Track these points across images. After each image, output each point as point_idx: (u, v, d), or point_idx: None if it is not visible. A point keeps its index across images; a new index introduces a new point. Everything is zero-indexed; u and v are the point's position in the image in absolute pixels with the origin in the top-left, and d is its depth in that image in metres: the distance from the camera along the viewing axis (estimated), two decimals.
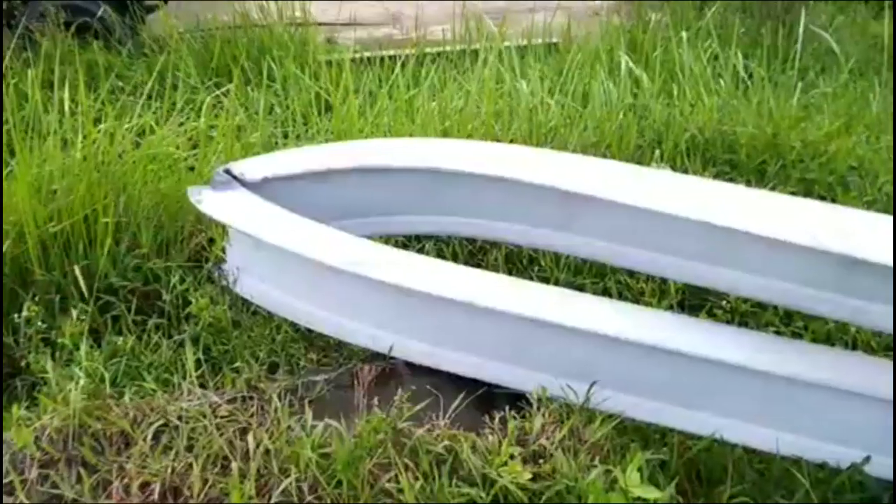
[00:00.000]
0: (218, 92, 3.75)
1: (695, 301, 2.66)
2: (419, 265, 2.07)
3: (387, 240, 2.87)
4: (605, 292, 2.69)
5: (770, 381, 1.92)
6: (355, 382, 2.03)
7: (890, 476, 1.87)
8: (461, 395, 1.93)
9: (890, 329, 1.83)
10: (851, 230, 1.83)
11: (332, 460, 1.66)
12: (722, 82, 3.97)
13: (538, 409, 1.86)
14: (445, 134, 3.47)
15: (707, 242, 2.02)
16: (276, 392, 1.94)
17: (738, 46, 4.13)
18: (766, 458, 1.98)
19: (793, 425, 1.93)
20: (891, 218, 1.82)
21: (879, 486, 1.85)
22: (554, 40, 5.12)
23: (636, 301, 2.63)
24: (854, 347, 2.53)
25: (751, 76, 3.91)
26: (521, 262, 2.85)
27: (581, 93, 3.87)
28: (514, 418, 1.82)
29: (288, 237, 2.05)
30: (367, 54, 4.64)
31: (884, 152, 3.50)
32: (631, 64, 3.87)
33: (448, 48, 4.81)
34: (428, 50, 4.81)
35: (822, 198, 3.23)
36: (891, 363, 2.17)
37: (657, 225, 2.09)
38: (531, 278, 2.74)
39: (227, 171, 2.23)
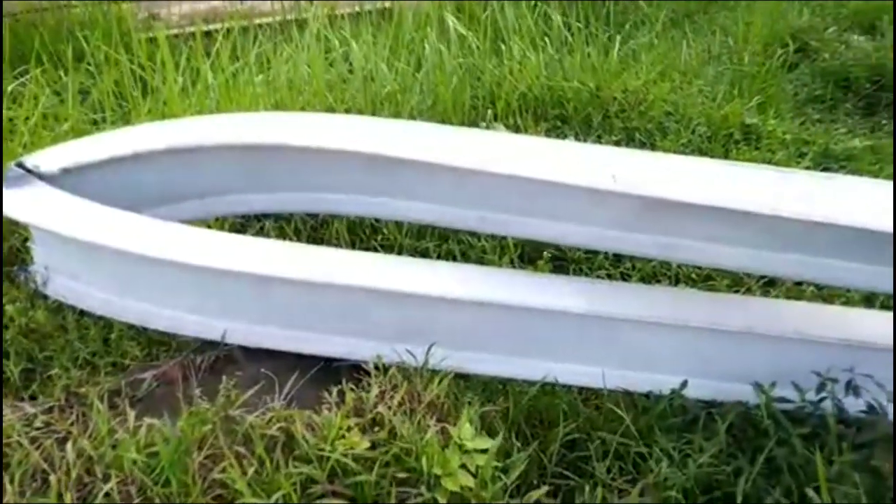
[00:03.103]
0: (23, 79, 3.44)
1: (534, 254, 2.75)
2: (238, 245, 2.01)
3: (222, 222, 2.78)
4: (449, 253, 2.73)
5: (593, 323, 2.03)
6: (187, 375, 1.95)
7: (706, 395, 2.03)
8: (301, 375, 1.91)
9: (699, 261, 1.96)
10: (653, 173, 1.94)
11: (159, 459, 1.59)
12: (547, 40, 4.08)
13: (375, 377, 1.86)
14: (277, 108, 3.37)
15: (529, 197, 2.07)
16: (98, 395, 1.83)
17: (559, 6, 4.24)
18: (599, 395, 2.09)
19: (617, 361, 2.05)
20: (685, 158, 1.94)
21: (698, 407, 2.00)
22: (386, 5, 5.07)
23: (479, 259, 2.69)
24: (677, 282, 2.71)
25: (571, 32, 4.04)
26: (363, 232, 2.83)
27: (415, 57, 3.86)
28: (353, 390, 1.81)
29: (93, 230, 1.92)
30: (189, 29, 4.39)
31: (695, 96, 3.73)
32: (458, 26, 3.89)
33: (278, 18, 4.65)
34: (257, 21, 4.62)
35: (643, 143, 3.42)
36: (699, 293, 2.35)
37: (482, 184, 2.13)
38: (374, 247, 2.73)
39: (20, 165, 2.05)
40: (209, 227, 2.67)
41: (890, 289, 1.92)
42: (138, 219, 2.00)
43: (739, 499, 1.77)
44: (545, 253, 2.65)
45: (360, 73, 3.55)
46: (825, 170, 3.35)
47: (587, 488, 1.79)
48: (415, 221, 2.49)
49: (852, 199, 1.89)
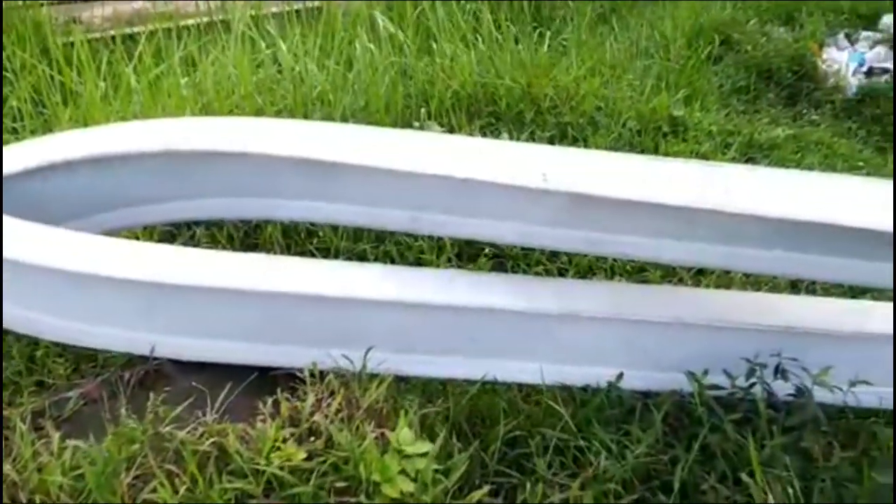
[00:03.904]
0: None
1: (473, 252, 2.75)
2: (163, 255, 1.94)
3: (151, 231, 2.69)
4: (386, 255, 2.71)
5: (530, 319, 2.04)
6: (115, 392, 1.88)
7: (642, 386, 2.06)
8: (234, 387, 1.86)
9: (628, 255, 1.99)
10: (582, 170, 1.95)
11: (86, 482, 1.53)
12: (479, 38, 4.09)
13: (312, 384, 1.82)
14: (205, 112, 3.28)
15: (461, 197, 2.07)
16: (21, 416, 1.75)
17: (489, 3, 4.26)
18: (539, 391, 2.10)
19: (555, 356, 2.07)
20: (613, 154, 1.97)
21: (634, 398, 2.03)
22: (316, 4, 5.00)
23: (417, 259, 2.68)
24: (613, 275, 2.75)
25: (500, 29, 4.07)
26: (298, 236, 2.79)
27: (346, 57, 3.82)
28: (288, 399, 1.77)
29: (11, 245, 1.83)
30: (112, 32, 4.24)
31: (625, 91, 3.79)
32: (389, 25, 3.86)
33: (205, 19, 4.53)
34: (182, 23, 4.50)
35: (576, 138, 3.46)
36: (632, 285, 2.39)
37: (414, 186, 2.11)
38: (310, 251, 2.69)
39: None
40: (137, 237, 2.59)
41: (810, 275, 1.99)
42: (58, 232, 1.92)
43: (677, 486, 1.80)
44: (484, 251, 2.67)
45: (289, 73, 3.49)
46: (750, 159, 3.46)
47: (528, 485, 1.80)
48: (348, 224, 2.47)
49: (773, 191, 1.94)
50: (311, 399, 1.75)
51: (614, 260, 2.73)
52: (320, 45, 3.90)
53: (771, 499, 1.67)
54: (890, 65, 4.58)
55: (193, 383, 1.88)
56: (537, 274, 2.66)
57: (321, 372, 1.87)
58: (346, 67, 3.69)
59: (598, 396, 2.01)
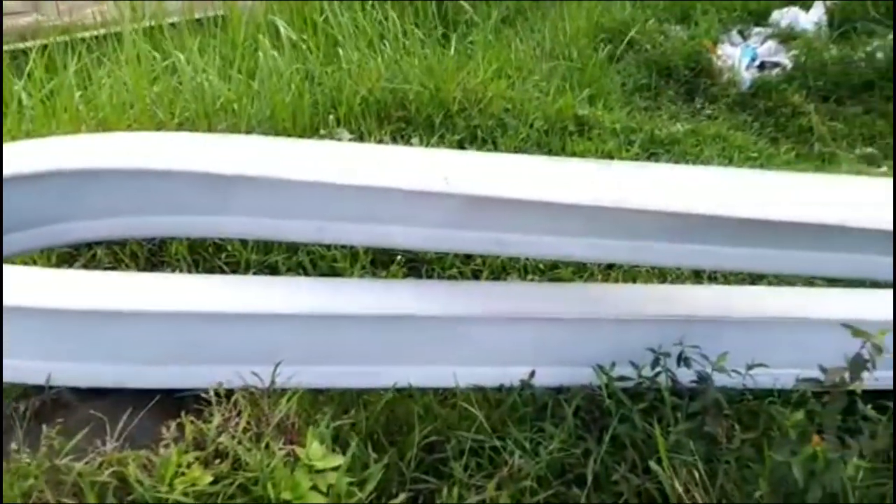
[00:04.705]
0: None
1: (386, 258, 2.74)
2: (57, 279, 1.86)
3: (49, 254, 2.56)
4: (299, 265, 2.67)
5: (442, 323, 2.04)
6: (10, 425, 1.78)
7: (554, 382, 2.10)
8: (136, 412, 1.79)
9: (521, 253, 2.02)
10: (484, 172, 1.97)
11: None
12: (386, 43, 4.08)
13: (217, 404, 1.77)
14: (101, 127, 3.15)
15: (365, 205, 2.05)
16: None
17: (396, 6, 4.26)
18: (455, 394, 2.11)
19: (469, 359, 2.08)
20: (514, 156, 1.99)
21: (547, 395, 2.06)
22: (219, 13, 4.88)
23: (330, 268, 2.64)
24: (526, 273, 2.79)
25: (406, 34, 4.07)
26: (206, 251, 2.71)
27: (248, 66, 3.74)
28: (193, 422, 1.72)
29: None
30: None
31: (531, 92, 3.86)
32: (291, 32, 3.81)
33: (102, 31, 4.36)
34: (79, 35, 4.31)
35: (485, 141, 3.50)
36: (541, 284, 2.42)
37: (317, 195, 2.08)
38: (219, 266, 2.63)
39: None
40: (34, 261, 2.47)
41: (708, 265, 2.07)
42: None
43: (590, 479, 1.84)
44: (398, 257, 2.66)
45: (189, 84, 3.40)
46: (652, 154, 3.57)
47: (445, 490, 1.80)
48: (253, 238, 2.41)
49: (666, 186, 2.01)
50: (217, 420, 1.70)
51: (527, 259, 2.77)
52: (222, 54, 3.81)
53: (677, 484, 1.73)
54: (780, 58, 4.82)
55: (92, 411, 1.80)
56: (452, 277, 2.67)
57: (230, 391, 1.82)
58: (250, 76, 3.62)
59: (511, 396, 2.04)
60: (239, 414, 1.74)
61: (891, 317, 1.91)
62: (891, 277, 2.12)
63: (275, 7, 4.62)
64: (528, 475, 1.83)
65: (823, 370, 1.67)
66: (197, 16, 4.68)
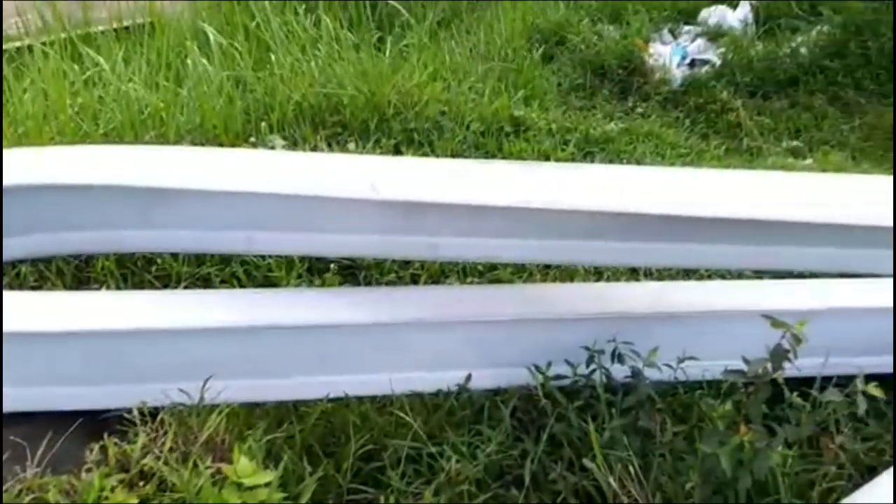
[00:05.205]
0: None
1: (322, 266, 2.70)
2: None
3: None
4: (233, 276, 2.61)
5: (377, 331, 2.02)
6: None
7: (492, 384, 2.09)
8: (58, 436, 1.72)
9: (455, 256, 2.01)
10: (412, 178, 1.96)
11: None
12: (320, 48, 4.03)
13: (143, 424, 1.72)
14: (22, 142, 3.03)
15: (294, 214, 2.02)
16: None
17: (328, 12, 4.21)
18: (393, 402, 2.09)
19: (405, 365, 2.06)
20: (443, 160, 1.99)
21: (483, 397, 2.06)
22: (148, 20, 4.76)
23: (265, 278, 2.59)
24: (466, 276, 2.78)
25: (338, 39, 4.03)
26: (135, 265, 2.63)
27: (175, 74, 3.65)
28: (116, 444, 1.66)
29: None
30: None
31: (467, 94, 3.86)
32: (220, 38, 3.73)
33: (27, 42, 4.20)
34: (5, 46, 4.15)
35: (421, 144, 3.48)
36: (477, 287, 2.43)
37: (245, 206, 2.04)
38: (149, 280, 2.55)
39: None
40: None
41: (634, 262, 2.10)
42: None
43: (528, 479, 1.85)
44: (331, 265, 2.63)
45: (113, 95, 3.30)
46: (587, 153, 3.61)
47: (382, 499, 1.78)
48: (182, 251, 2.36)
49: (593, 186, 2.03)
50: (142, 440, 1.65)
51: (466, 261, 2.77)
52: (149, 63, 3.72)
53: (612, 480, 1.74)
54: (709, 56, 4.94)
55: (12, 437, 1.73)
56: (390, 282, 2.65)
57: (157, 409, 1.77)
58: (178, 84, 3.53)
59: (448, 400, 2.03)
60: (166, 433, 1.69)
61: (813, 306, 1.98)
62: (809, 268, 2.20)
63: (205, 13, 4.54)
64: (465, 479, 1.82)
65: (746, 361, 1.70)
66: (125, 24, 4.56)
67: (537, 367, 2.05)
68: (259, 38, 4.04)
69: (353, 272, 2.68)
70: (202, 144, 3.22)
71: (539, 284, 2.59)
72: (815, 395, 1.83)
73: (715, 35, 5.17)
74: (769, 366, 1.63)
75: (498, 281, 2.73)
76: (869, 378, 1.83)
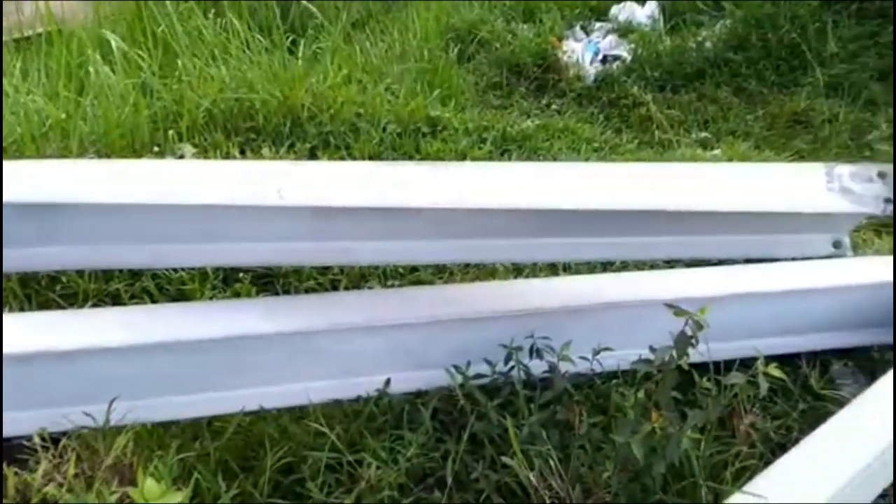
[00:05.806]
0: None
1: (237, 275, 2.63)
2: None
3: None
4: (144, 291, 2.52)
5: (291, 340, 1.98)
6: None
7: (412, 387, 2.08)
8: None
9: (369, 260, 2.00)
10: (319, 182, 1.93)
11: None
12: (230, 52, 3.94)
13: (44, 451, 1.64)
14: None
15: (199, 225, 1.97)
16: None
17: (236, 15, 4.12)
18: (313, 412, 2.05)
19: (323, 373, 2.03)
20: (350, 164, 1.97)
21: (403, 401, 2.05)
22: (49, 29, 4.56)
23: (179, 291, 2.51)
24: (387, 279, 2.76)
25: (248, 44, 3.95)
26: (39, 284, 2.51)
27: (77, 83, 3.51)
28: (16, 473, 1.58)
29: None
30: None
31: (383, 95, 3.84)
32: (123, 44, 3.60)
33: None
34: None
35: (338, 147, 3.44)
36: (394, 290, 2.41)
37: (148, 218, 1.97)
38: (54, 299, 2.44)
39: None
40: None
41: (545, 257, 2.13)
42: None
43: (450, 480, 1.84)
44: (241, 274, 2.56)
45: (12, 107, 3.15)
46: (505, 151, 3.64)
47: None
48: (85, 268, 2.26)
49: (508, 184, 2.04)
50: (43, 467, 1.57)
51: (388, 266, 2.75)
52: (48, 73, 3.56)
53: (532, 475, 1.76)
54: (620, 52, 5.05)
55: None
56: (309, 289, 2.60)
57: (51, 436, 1.69)
58: (80, 94, 3.39)
59: (367, 406, 2.01)
60: (68, 459, 1.61)
61: (717, 292, 2.05)
62: (718, 255, 2.28)
63: (109, 20, 4.38)
64: (387, 485, 1.80)
65: (653, 350, 1.74)
66: (26, 34, 4.36)
67: (456, 368, 2.05)
68: (166, 43, 3.92)
69: (269, 281, 2.63)
70: (107, 155, 3.11)
71: (458, 284, 2.60)
72: (720, 379, 1.88)
73: (625, 31, 5.29)
74: (674, 353, 1.67)
75: (419, 282, 2.72)
76: (773, 358, 1.91)
